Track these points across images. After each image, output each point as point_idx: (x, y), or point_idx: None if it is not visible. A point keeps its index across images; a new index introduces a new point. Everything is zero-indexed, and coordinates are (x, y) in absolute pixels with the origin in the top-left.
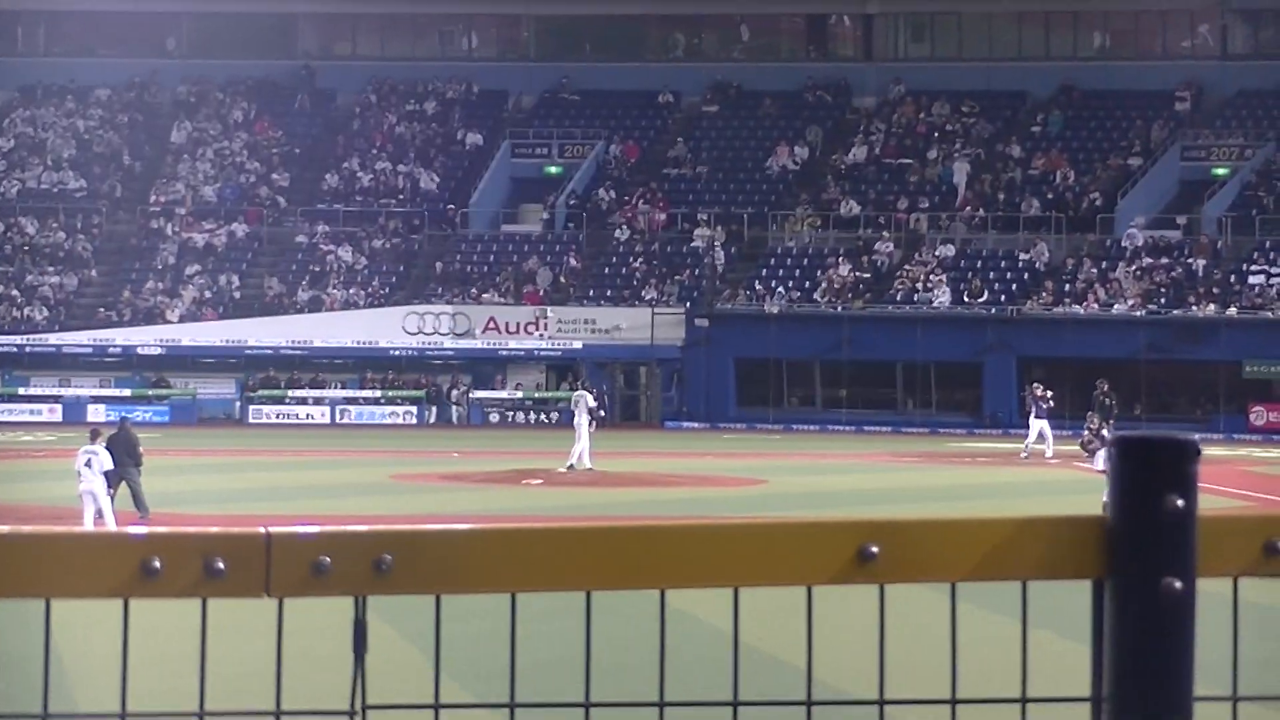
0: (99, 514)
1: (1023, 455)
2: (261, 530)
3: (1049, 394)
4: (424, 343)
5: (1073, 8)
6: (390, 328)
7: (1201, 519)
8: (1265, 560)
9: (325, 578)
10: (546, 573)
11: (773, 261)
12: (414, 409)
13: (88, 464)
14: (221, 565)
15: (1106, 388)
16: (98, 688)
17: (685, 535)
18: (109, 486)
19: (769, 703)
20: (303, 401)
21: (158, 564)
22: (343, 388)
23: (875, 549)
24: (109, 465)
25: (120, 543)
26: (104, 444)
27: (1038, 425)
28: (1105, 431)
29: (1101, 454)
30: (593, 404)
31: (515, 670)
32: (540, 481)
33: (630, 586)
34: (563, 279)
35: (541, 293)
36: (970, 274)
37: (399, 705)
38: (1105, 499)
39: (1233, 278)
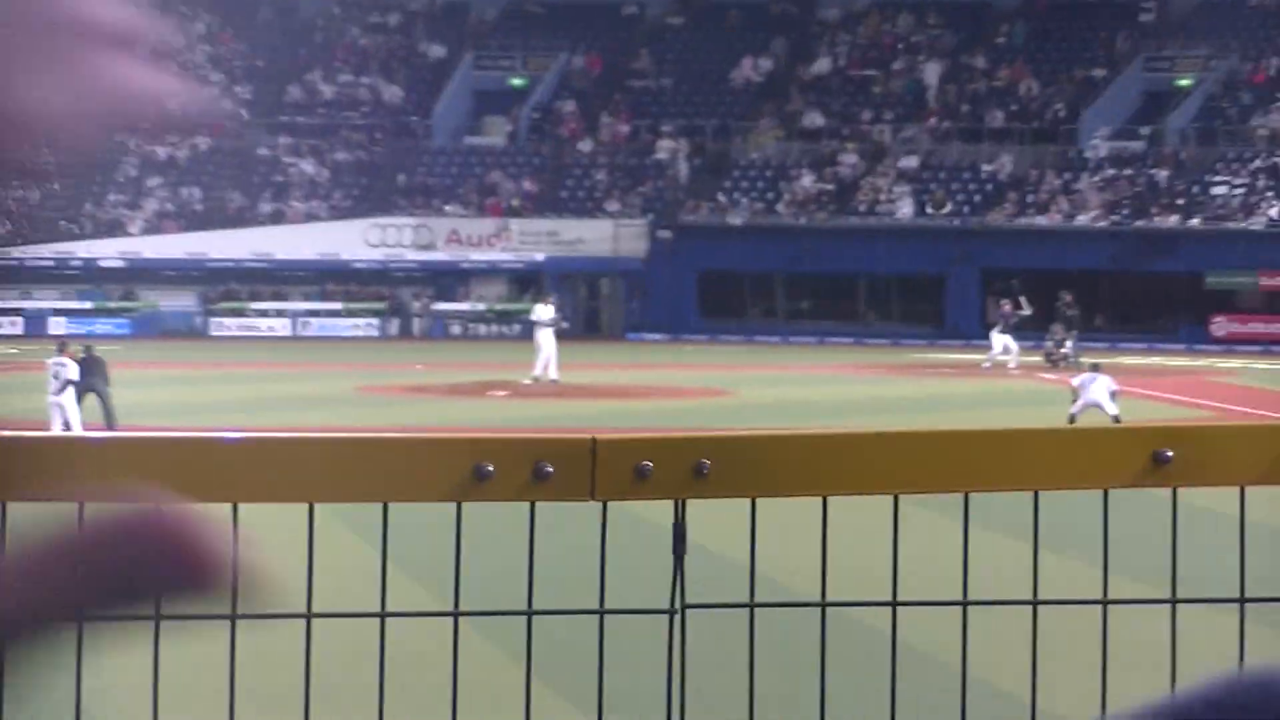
0: (66, 425)
1: (985, 366)
2: (588, 436)
3: (1018, 306)
4: (386, 255)
5: None
6: (352, 240)
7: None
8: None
9: (647, 482)
10: (856, 477)
11: (736, 174)
12: (376, 321)
13: (55, 375)
14: (550, 469)
15: (1070, 299)
16: (429, 589)
17: (989, 440)
18: (77, 399)
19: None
20: (264, 314)
21: (490, 468)
22: (305, 300)
23: (1170, 453)
24: (76, 376)
25: (455, 448)
26: (72, 359)
27: (1001, 339)
28: (1069, 343)
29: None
30: (551, 315)
31: (826, 571)
32: (505, 393)
33: (938, 490)
34: (525, 191)
35: (504, 205)
36: (933, 186)
37: (716, 605)
38: (1072, 410)
39: (1195, 189)
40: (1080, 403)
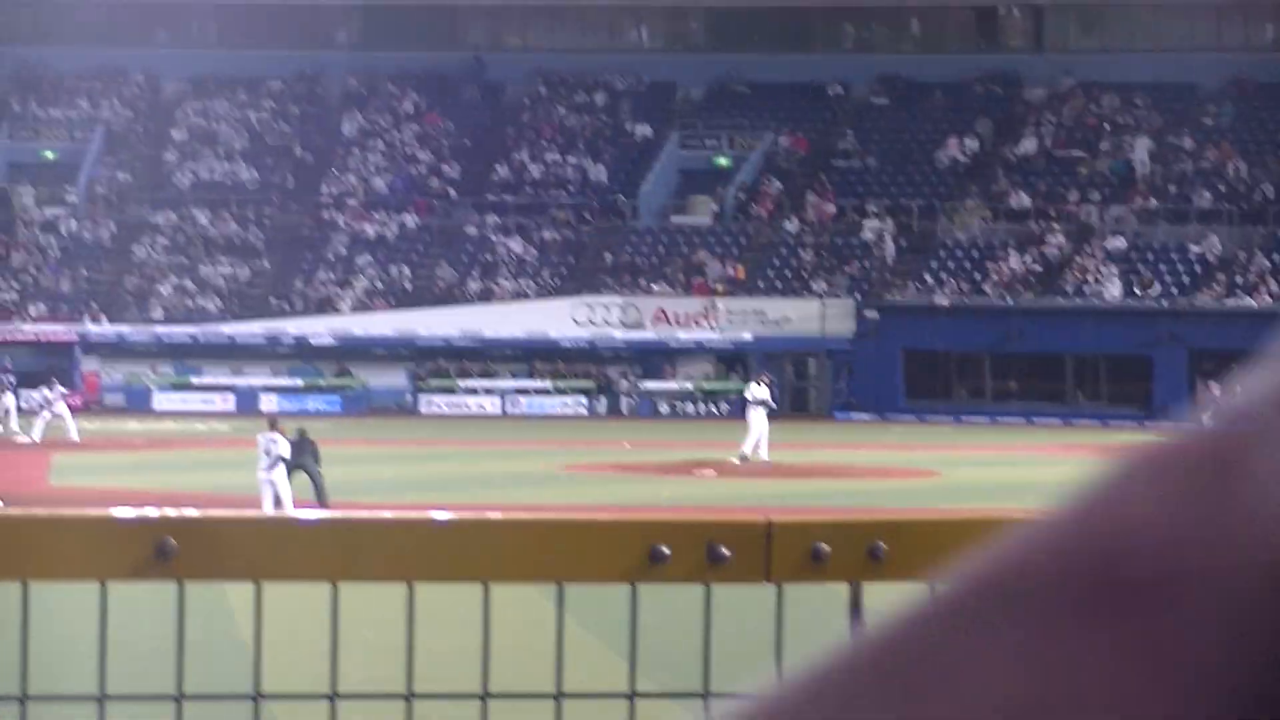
0: (278, 501)
1: None
2: (763, 518)
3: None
4: (594, 334)
5: None
6: (560, 319)
7: None
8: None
9: (823, 564)
10: None
11: (942, 253)
12: (584, 400)
13: (267, 452)
14: (726, 551)
15: None
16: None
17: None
18: (288, 476)
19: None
20: (473, 392)
21: (666, 550)
22: (513, 378)
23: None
24: (287, 453)
25: (631, 530)
26: (284, 437)
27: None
28: None
29: None
30: (764, 395)
31: None
32: (713, 473)
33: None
34: (732, 271)
35: (711, 284)
36: (1141, 266)
37: None
38: None
39: None
40: None
